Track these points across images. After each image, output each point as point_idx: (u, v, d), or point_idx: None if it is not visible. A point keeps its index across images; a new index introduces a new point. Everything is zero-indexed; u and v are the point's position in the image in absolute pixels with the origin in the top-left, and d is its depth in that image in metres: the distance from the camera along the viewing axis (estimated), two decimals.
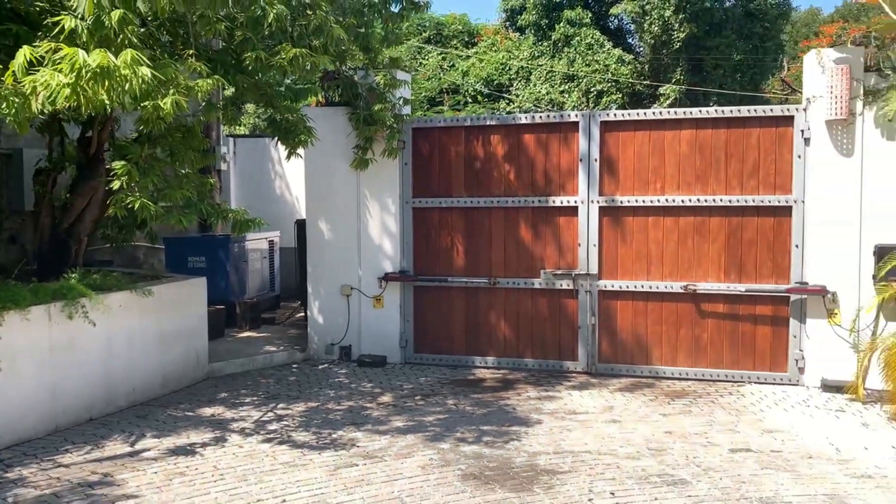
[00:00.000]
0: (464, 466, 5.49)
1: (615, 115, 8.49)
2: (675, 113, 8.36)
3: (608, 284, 8.42)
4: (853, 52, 7.71)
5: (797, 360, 7.92)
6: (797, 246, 7.90)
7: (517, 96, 19.76)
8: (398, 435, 6.30)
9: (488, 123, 8.83)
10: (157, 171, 7.02)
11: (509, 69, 20.17)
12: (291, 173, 13.63)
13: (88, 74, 4.91)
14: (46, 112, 5.42)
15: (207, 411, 7.05)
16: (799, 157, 7.86)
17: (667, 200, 8.23)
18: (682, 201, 8.18)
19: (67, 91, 5.06)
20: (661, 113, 8.41)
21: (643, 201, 8.29)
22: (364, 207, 9.14)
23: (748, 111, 8.16)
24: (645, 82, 18.99)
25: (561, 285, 8.55)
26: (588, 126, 8.38)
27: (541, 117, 8.74)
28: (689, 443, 6.07)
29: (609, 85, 18.74)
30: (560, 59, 19.50)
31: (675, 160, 8.23)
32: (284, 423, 6.67)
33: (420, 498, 4.88)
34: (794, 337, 7.94)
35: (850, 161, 7.65)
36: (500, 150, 8.75)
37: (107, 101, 5.31)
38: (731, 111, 8.22)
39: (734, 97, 17.89)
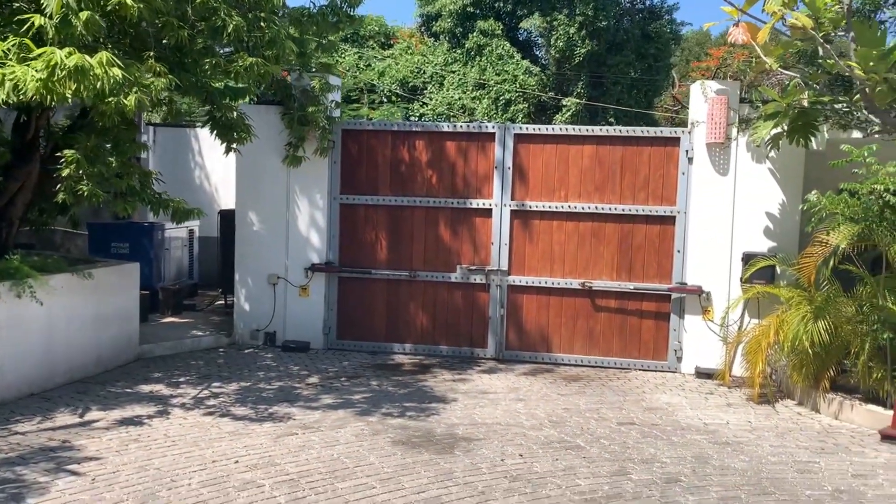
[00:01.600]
0: (392, 435, 6.25)
1: (527, 128, 9.45)
2: (580, 130, 9.40)
3: (516, 280, 9.37)
4: (731, 85, 8.96)
5: (675, 351, 9.12)
6: (679, 251, 9.09)
7: (431, 100, 20.60)
8: (329, 410, 6.98)
9: (414, 129, 9.61)
10: (103, 160, 7.39)
11: (424, 73, 20.98)
12: (211, 164, 13.94)
13: (63, 72, 5.35)
14: (11, 102, 5.79)
15: (145, 388, 7.49)
16: (683, 173, 9.05)
17: (570, 207, 9.25)
18: (583, 208, 9.23)
19: (38, 85, 5.48)
20: (567, 129, 9.43)
21: (549, 207, 9.28)
22: (293, 202, 9.72)
23: (642, 132, 9.31)
24: (549, 94, 20.24)
25: (475, 279, 9.43)
26: (503, 137, 9.30)
27: (461, 127, 9.61)
28: (583, 417, 7.05)
29: (517, 94, 19.88)
30: (472, 67, 20.48)
31: (578, 171, 9.26)
32: (221, 399, 7.21)
33: (357, 459, 5.60)
34: (674, 330, 9.14)
35: (726, 179, 8.90)
36: (425, 154, 9.54)
37: (70, 97, 5.75)
38: (628, 131, 9.33)
39: (630, 112, 19.39)
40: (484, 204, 9.40)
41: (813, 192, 7.62)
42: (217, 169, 13.68)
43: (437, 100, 20.42)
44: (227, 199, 13.09)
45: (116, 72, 5.50)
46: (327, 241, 9.69)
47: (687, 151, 9.01)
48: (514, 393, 7.88)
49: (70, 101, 5.90)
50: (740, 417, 7.24)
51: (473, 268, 9.43)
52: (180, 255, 12.20)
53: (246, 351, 9.50)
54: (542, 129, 9.42)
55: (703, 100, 8.88)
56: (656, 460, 5.86)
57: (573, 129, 9.42)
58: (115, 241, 10.91)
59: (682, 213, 9.07)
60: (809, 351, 7.23)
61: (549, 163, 9.31)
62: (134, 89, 5.92)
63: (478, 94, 20.21)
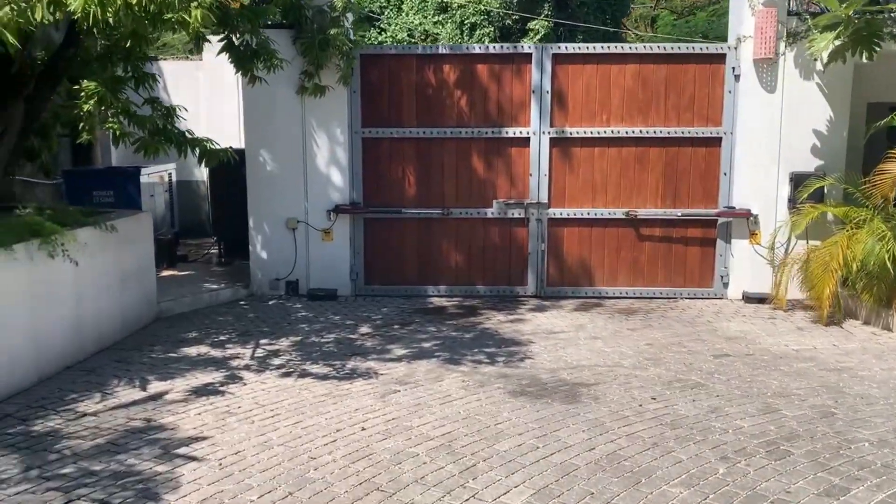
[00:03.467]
0: (500, 385, 5.75)
1: (566, 48, 8.80)
2: (622, 48, 8.84)
3: (557, 213, 8.87)
4: None
5: (722, 277, 8.90)
6: (725, 174, 8.78)
7: (389, 25, 19.46)
8: (410, 361, 6.40)
9: (441, 52, 8.81)
10: (123, 94, 6.37)
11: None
12: (184, 99, 12.65)
13: None
14: (48, 21, 4.76)
15: (191, 352, 6.69)
16: (729, 92, 8.66)
17: (612, 132, 8.75)
18: (626, 132, 8.75)
19: None
20: (608, 47, 8.83)
21: (591, 132, 8.76)
22: (310, 137, 8.83)
23: (687, 48, 8.85)
24: (515, 16, 19.44)
25: (512, 214, 8.88)
26: (541, 58, 8.63)
27: (494, 48, 8.87)
28: (673, 352, 6.73)
29: (482, 18, 18.99)
30: None
31: (620, 93, 8.73)
32: (285, 357, 6.52)
33: (490, 416, 5.09)
34: (720, 256, 8.89)
35: (773, 97, 8.56)
36: (453, 80, 8.78)
37: (121, 12, 4.77)
38: (672, 48, 8.85)
39: (599, 32, 18.86)
40: (521, 132, 8.78)
41: None
42: (195, 104, 12.43)
43: (396, 25, 19.30)
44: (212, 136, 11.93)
45: None
46: (350, 180, 8.89)
47: (733, 68, 8.60)
48: (582, 331, 7.48)
49: (115, 19, 4.89)
50: (822, 341, 7.08)
51: (511, 202, 8.86)
52: (162, 203, 11.09)
53: (270, 302, 8.71)
54: (582, 47, 8.80)
55: (750, 13, 8.43)
56: (790, 393, 5.60)
57: (614, 48, 8.84)
58: (96, 190, 9.74)
59: (728, 133, 8.72)
60: (891, 268, 7.08)
61: (589, 85, 8.73)
62: (195, 2, 4.96)
63: (440, 18, 19.20)
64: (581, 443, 4.62)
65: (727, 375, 6.02)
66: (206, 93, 12.61)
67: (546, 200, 8.83)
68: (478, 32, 19.13)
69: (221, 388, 5.66)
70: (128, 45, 5.45)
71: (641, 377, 5.98)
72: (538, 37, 18.94)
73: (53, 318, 5.91)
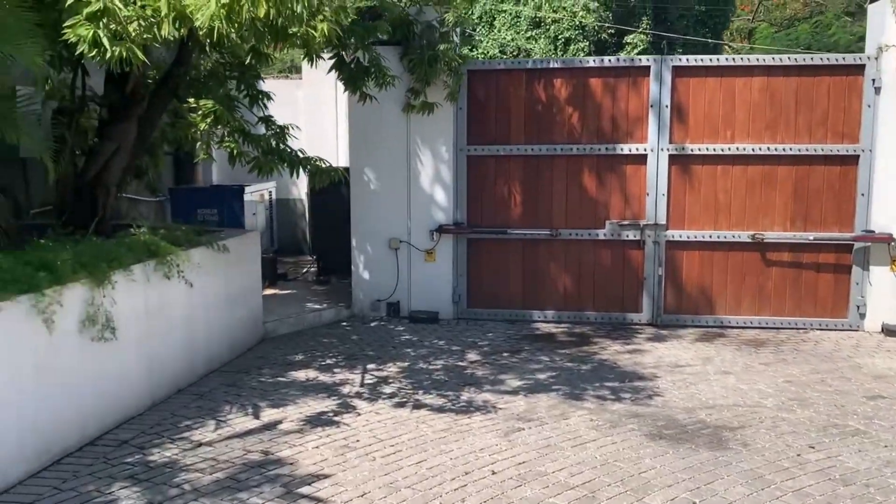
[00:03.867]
0: (634, 426, 5.27)
1: (687, 59, 8.28)
2: (748, 60, 8.26)
3: (675, 234, 8.32)
4: None
5: (858, 307, 8.14)
6: (863, 195, 8.05)
7: (481, 42, 19.25)
8: (528, 395, 6.00)
9: (552, 66, 8.43)
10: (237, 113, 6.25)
11: (472, 13, 19.55)
12: (287, 114, 12.70)
13: None
14: (172, 37, 4.63)
15: (299, 376, 6.47)
16: (868, 106, 7.95)
17: (736, 149, 8.16)
18: (752, 150, 8.14)
19: (218, 10, 4.30)
20: (732, 59, 8.27)
21: (713, 149, 8.19)
22: (415, 156, 8.58)
23: (820, 59, 8.19)
24: (615, 27, 18.91)
25: (626, 236, 8.39)
26: (660, 71, 8.14)
27: (609, 61, 8.43)
28: (817, 391, 6.09)
29: (577, 32, 18.55)
30: (526, 4, 19.08)
31: (746, 108, 8.15)
32: (395, 385, 6.22)
33: (631, 462, 4.63)
34: (857, 284, 8.15)
35: None
36: (564, 94, 8.39)
37: (244, 27, 4.59)
38: (803, 59, 8.22)
39: (699, 44, 18.14)
40: (637, 149, 8.29)
41: None
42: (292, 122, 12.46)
43: (488, 41, 19.07)
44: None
45: None
46: (454, 199, 8.59)
47: (873, 80, 7.89)
48: (710, 364, 6.91)
49: (241, 36, 4.72)
50: None
51: (625, 223, 8.37)
52: (263, 221, 11.07)
53: (372, 324, 8.48)
54: (704, 59, 8.26)
55: (894, 20, 7.73)
56: None
57: (739, 59, 8.27)
58: (201, 207, 9.78)
59: (866, 151, 8.00)
60: None
61: (712, 99, 8.18)
62: (319, 16, 4.75)
63: (533, 33, 18.86)
64: (742, 499, 4.10)
65: (889, 421, 5.37)
66: (304, 111, 12.61)
67: (664, 221, 8.30)
68: (572, 48, 18.70)
69: (336, 419, 5.39)
70: (247, 61, 5.29)
71: (790, 420, 5.39)
72: (636, 51, 18.37)
73: (166, 340, 5.79)
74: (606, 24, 18.51)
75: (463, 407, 5.68)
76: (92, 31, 4.18)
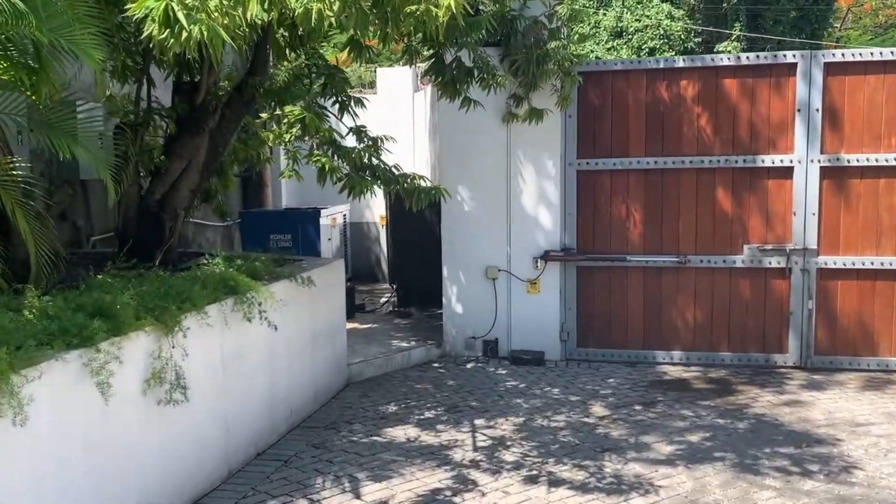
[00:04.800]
0: None
1: (842, 55, 7.02)
2: None
3: (828, 261, 7.01)
4: None
5: None
6: None
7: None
8: (689, 465, 4.79)
9: (678, 66, 7.25)
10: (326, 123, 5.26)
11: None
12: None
13: None
14: (260, 20, 3.64)
15: (398, 434, 5.39)
16: None
17: None
18: None
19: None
20: None
21: (875, 160, 6.89)
22: (516, 172, 7.49)
23: None
24: (698, 38, 17.62)
25: (769, 263, 7.11)
26: (809, 68, 6.90)
27: (748, 58, 7.22)
28: None
29: (662, 42, 17.32)
30: (606, 13, 17.96)
31: None
32: (516, 450, 5.07)
33: None
34: None
35: None
36: (692, 98, 7.20)
37: (340, 11, 3.57)
38: None
39: (795, 46, 16.71)
40: (781, 161, 7.03)
41: None
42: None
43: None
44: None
45: None
46: (562, 222, 7.45)
47: None
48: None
49: (340, 22, 3.71)
50: None
51: (767, 248, 7.10)
52: (337, 246, 10.11)
53: (468, 365, 7.37)
54: (865, 54, 6.99)
55: None
56: None
57: None
58: (274, 233, 8.84)
59: None
60: None
61: (872, 100, 6.88)
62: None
63: (615, 43, 17.69)
64: None
65: None
66: (379, 125, 11.68)
67: (814, 246, 7.00)
68: (658, 56, 17.44)
69: (455, 499, 4.27)
70: (343, 55, 4.30)
71: None
72: None
73: (245, 394, 4.79)
74: (699, 28, 17.21)
75: (612, 484, 4.50)
76: (164, 4, 3.22)
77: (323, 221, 9.06)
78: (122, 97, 6.45)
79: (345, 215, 10.50)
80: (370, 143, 5.56)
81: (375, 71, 12.51)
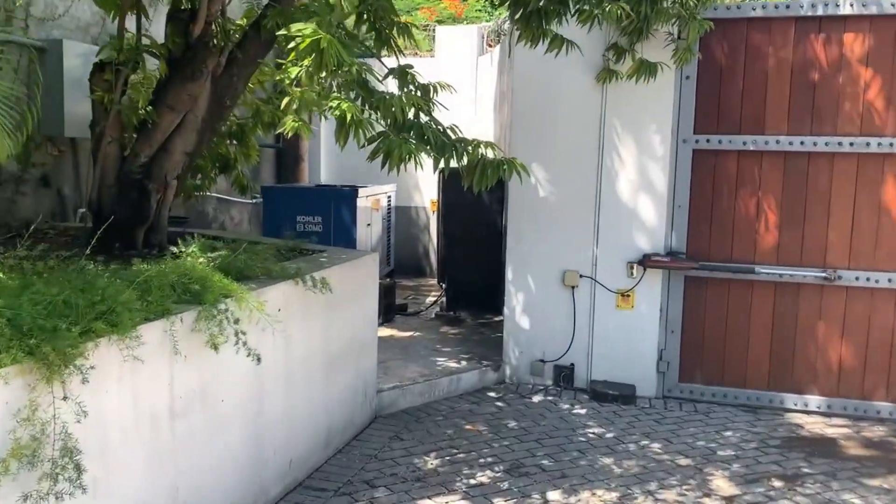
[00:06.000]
0: None
1: None
2: None
3: None
4: None
5: None
6: None
7: None
8: None
9: (842, 13, 5.33)
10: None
11: None
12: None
13: None
14: None
15: None
16: None
17: None
18: None
19: None
20: None
21: None
22: (611, 147, 5.71)
23: None
24: None
25: None
26: None
27: None
28: None
29: None
30: None
31: None
32: None
33: None
34: None
35: None
36: (858, 57, 5.30)
37: None
38: None
39: None
40: None
41: None
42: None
43: None
44: None
45: None
46: (669, 216, 5.66)
47: None
48: None
49: None
50: None
51: None
52: (379, 233, 8.47)
53: (534, 398, 5.66)
54: None
55: None
56: None
57: None
58: (301, 214, 7.27)
59: None
60: None
61: None
62: None
63: None
64: None
65: None
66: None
67: None
68: None
69: None
70: None
71: None
72: None
73: (212, 452, 3.16)
74: None
75: None
76: None
77: (361, 203, 7.42)
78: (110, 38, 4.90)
79: (389, 197, 8.86)
80: (418, 89, 3.84)
81: (434, 31, 10.80)
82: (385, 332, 6.96)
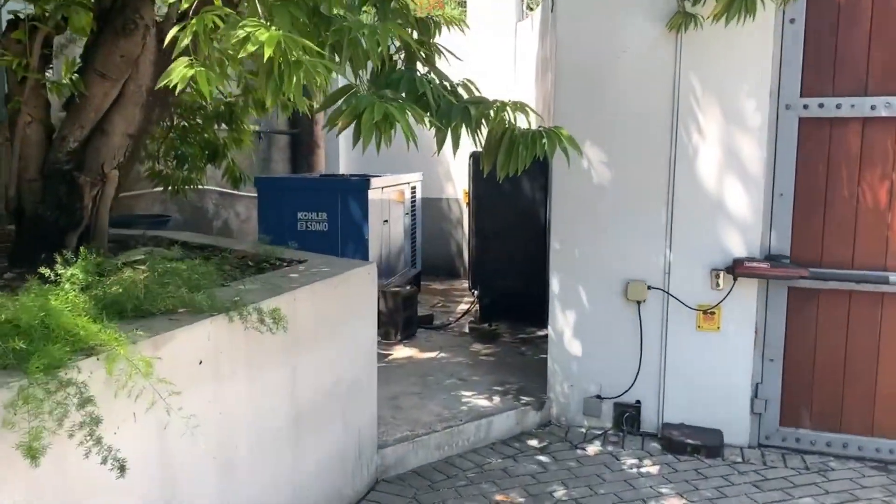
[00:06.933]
0: None
1: None
2: None
3: None
4: None
5: None
6: None
7: None
8: None
9: None
10: None
11: None
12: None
13: None
14: None
15: None
16: None
17: None
18: None
19: None
20: None
21: None
22: (686, 117, 4.32)
23: None
24: None
25: None
26: None
27: None
28: None
29: None
30: None
31: None
32: None
33: None
34: None
35: None
36: None
37: None
38: None
39: None
40: None
41: None
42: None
43: None
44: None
45: None
46: (766, 209, 4.25)
47: None
48: None
49: None
50: None
51: None
52: (399, 231, 7.21)
53: (589, 450, 4.32)
54: None
55: None
56: None
57: None
58: (302, 210, 6.04)
59: None
60: None
61: None
62: None
63: None
64: None
65: None
66: (471, 66, 8.66)
67: None
68: None
69: None
70: None
71: None
72: None
73: None
74: None
75: None
76: None
77: (374, 195, 6.17)
78: None
79: (414, 188, 7.60)
80: (412, 28, 2.51)
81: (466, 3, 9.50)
82: (402, 352, 5.70)
